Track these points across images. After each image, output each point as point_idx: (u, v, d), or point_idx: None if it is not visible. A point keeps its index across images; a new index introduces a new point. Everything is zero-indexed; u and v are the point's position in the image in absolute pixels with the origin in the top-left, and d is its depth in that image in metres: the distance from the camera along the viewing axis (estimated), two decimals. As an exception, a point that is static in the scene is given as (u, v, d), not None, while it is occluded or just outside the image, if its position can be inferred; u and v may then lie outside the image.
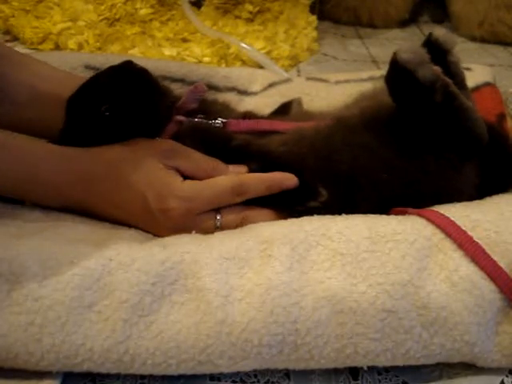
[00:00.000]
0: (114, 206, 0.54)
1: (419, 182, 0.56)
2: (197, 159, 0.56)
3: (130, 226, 0.55)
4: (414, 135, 0.57)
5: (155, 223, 0.53)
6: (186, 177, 0.55)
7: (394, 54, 0.56)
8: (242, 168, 0.57)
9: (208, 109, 0.63)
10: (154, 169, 0.54)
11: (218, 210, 0.55)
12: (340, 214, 0.53)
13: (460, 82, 0.60)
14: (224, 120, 0.61)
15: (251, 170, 0.57)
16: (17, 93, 0.63)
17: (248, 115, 0.66)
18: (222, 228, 0.54)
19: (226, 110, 0.65)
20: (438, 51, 0.58)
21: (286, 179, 0.55)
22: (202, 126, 0.60)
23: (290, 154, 0.57)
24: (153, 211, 0.53)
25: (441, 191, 0.56)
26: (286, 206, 0.55)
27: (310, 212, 0.54)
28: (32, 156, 0.52)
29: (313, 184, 0.55)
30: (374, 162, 0.56)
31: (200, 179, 0.55)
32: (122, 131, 0.56)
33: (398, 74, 0.56)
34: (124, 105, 0.55)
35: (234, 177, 0.55)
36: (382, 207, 0.55)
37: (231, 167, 0.57)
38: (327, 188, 0.55)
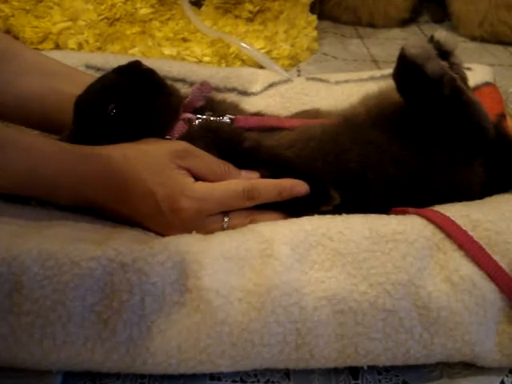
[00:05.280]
0: (123, 203, 0.54)
1: (429, 177, 0.56)
2: (209, 162, 0.56)
3: (135, 224, 0.55)
4: (422, 130, 0.57)
5: (163, 222, 0.53)
6: (197, 178, 0.55)
7: (402, 48, 0.56)
8: (254, 174, 0.57)
9: (216, 108, 0.63)
10: (165, 168, 0.53)
11: (226, 213, 0.55)
12: (350, 212, 0.53)
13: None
14: (232, 116, 0.61)
15: (262, 176, 0.57)
16: (26, 88, 0.63)
17: (257, 115, 0.66)
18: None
19: (234, 110, 0.65)
20: (440, 52, 0.58)
21: (298, 186, 0.55)
22: (213, 125, 0.60)
23: (300, 158, 0.57)
24: (162, 210, 0.53)
25: (450, 187, 0.56)
26: (298, 211, 0.55)
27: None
28: (41, 153, 0.52)
29: (325, 189, 0.55)
30: (383, 158, 0.56)
31: (211, 182, 0.55)
32: (129, 130, 0.56)
33: (407, 68, 0.56)
34: (131, 104, 0.56)
35: (246, 181, 0.55)
36: (392, 204, 0.56)
37: (243, 172, 0.57)
38: (338, 189, 0.55)
